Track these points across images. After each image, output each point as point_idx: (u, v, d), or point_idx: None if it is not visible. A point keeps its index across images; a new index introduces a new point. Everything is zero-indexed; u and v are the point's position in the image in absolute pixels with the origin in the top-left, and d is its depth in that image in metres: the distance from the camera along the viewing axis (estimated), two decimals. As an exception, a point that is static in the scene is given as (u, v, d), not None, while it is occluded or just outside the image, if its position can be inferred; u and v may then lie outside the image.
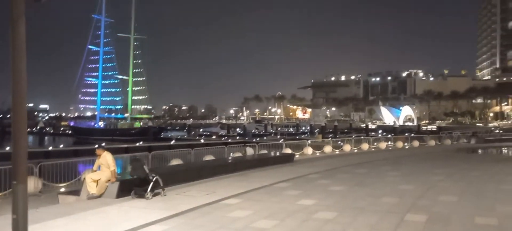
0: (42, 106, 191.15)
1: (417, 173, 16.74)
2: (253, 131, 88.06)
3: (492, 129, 76.34)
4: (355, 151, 30.83)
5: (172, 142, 50.42)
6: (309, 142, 31.03)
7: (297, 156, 24.50)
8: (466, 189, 12.88)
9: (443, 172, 17.18)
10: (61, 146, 51.32)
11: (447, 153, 29.40)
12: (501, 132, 62.39)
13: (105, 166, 11.31)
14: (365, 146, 32.22)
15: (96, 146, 11.99)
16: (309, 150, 27.59)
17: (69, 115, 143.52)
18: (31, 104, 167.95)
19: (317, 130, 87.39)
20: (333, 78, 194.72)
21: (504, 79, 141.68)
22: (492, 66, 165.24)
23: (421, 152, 30.18)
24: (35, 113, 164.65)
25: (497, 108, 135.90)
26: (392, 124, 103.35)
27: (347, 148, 30.73)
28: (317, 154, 27.69)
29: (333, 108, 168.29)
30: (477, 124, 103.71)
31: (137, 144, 44.37)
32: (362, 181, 14.44)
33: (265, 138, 65.45)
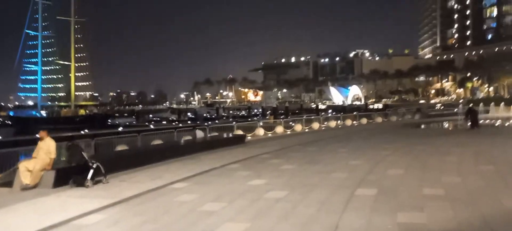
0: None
1: (365, 149, 16.98)
2: (204, 115, 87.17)
3: (434, 104, 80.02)
4: (307, 130, 31.05)
5: (120, 129, 48.63)
6: (260, 123, 30.91)
7: (249, 138, 24.27)
8: (412, 162, 13.13)
9: (390, 146, 17.54)
10: (-1, 137, 48.12)
11: (393, 129, 30.28)
12: (442, 107, 65.44)
13: (44, 152, 10.45)
14: (315, 125, 32.55)
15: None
16: (260, 131, 27.44)
17: (8, 105, 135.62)
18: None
19: (269, 111, 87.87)
20: (283, 60, 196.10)
21: (445, 57, 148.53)
22: (433, 45, 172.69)
23: (369, 128, 30.92)
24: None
25: (438, 85, 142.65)
26: (341, 103, 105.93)
27: (298, 127, 30.89)
28: (269, 135, 27.60)
29: (284, 90, 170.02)
30: (420, 101, 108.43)
31: (82, 132, 42.34)
32: (313, 158, 14.39)
33: (217, 121, 64.84)
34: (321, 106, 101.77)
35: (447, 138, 21.91)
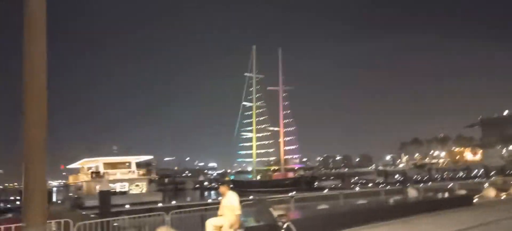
0: (211, 164, 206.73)
1: None
2: (415, 176, 79.80)
3: None
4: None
5: (325, 191, 47.53)
6: (486, 184, 25.20)
7: (475, 199, 19.53)
8: None
9: None
10: (218, 199, 52.76)
11: None
12: None
13: (228, 209, 9.33)
14: None
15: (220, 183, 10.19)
16: (491, 192, 22.04)
17: (230, 170, 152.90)
18: (201, 164, 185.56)
19: (494, 171, 74.88)
20: (506, 113, 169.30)
21: None
22: None
23: None
24: (205, 171, 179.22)
25: None
26: None
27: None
28: (503, 197, 21.93)
29: (510, 148, 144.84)
30: None
31: (290, 194, 42.71)
32: None
33: (429, 183, 57.94)
34: None
35: None
